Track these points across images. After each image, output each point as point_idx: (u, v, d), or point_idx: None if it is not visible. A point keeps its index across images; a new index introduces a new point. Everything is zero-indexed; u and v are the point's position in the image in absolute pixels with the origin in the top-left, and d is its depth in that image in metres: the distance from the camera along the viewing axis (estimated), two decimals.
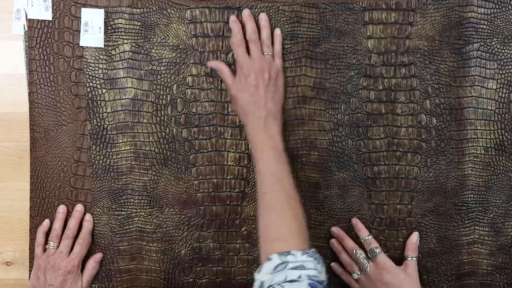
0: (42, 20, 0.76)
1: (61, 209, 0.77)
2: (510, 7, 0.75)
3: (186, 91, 0.77)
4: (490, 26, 0.75)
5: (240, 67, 0.72)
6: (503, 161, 0.77)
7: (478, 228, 0.78)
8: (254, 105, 0.70)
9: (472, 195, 0.77)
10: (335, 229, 0.77)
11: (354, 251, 0.74)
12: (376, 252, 0.73)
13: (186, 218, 0.78)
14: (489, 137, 0.77)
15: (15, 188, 0.80)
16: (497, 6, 0.75)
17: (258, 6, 0.75)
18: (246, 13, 0.74)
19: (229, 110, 0.77)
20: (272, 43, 0.74)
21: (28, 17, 0.76)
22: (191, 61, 0.76)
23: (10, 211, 0.80)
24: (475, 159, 0.77)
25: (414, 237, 0.76)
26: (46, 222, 0.77)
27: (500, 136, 0.77)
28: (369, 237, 0.75)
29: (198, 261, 0.78)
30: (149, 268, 0.78)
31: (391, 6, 0.75)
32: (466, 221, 0.78)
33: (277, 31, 0.75)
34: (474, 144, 0.77)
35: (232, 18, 0.74)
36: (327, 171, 0.77)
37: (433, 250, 0.78)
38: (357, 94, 0.76)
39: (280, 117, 0.72)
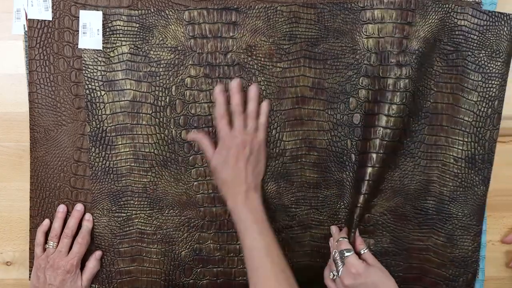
0: (42, 20, 0.76)
1: (61, 209, 0.77)
2: (503, 22, 0.74)
3: (185, 93, 0.77)
4: (481, 37, 0.74)
5: (222, 140, 0.72)
6: (472, 175, 0.76)
7: (434, 236, 0.77)
8: (234, 179, 0.70)
9: (433, 202, 0.77)
10: (333, 228, 0.77)
11: (333, 252, 0.73)
12: (345, 254, 0.71)
13: (186, 220, 0.78)
14: (461, 148, 0.76)
15: (15, 188, 0.80)
16: (490, 19, 0.74)
17: (257, 7, 0.75)
18: (234, 84, 0.73)
19: None
20: (258, 116, 0.74)
21: (28, 17, 0.76)
22: (190, 62, 0.76)
23: (10, 211, 0.80)
24: (443, 167, 0.76)
25: (358, 233, 0.75)
26: (46, 222, 0.77)
27: (473, 149, 0.76)
28: (342, 239, 0.73)
29: (198, 262, 0.79)
30: (149, 270, 0.78)
31: (389, 5, 0.75)
32: (423, 227, 0.77)
33: (264, 104, 0.74)
34: (444, 152, 0.76)
35: (218, 89, 0.73)
36: (326, 171, 0.78)
37: (386, 250, 0.77)
38: (356, 94, 0.76)
39: (260, 188, 0.73)
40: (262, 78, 0.76)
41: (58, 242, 0.76)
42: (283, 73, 0.76)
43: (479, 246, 0.78)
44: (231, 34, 0.76)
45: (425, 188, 0.77)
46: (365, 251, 0.73)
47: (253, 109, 0.73)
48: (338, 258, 0.72)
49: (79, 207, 0.77)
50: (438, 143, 0.76)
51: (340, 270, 0.71)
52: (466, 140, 0.76)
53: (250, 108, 0.73)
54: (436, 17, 0.74)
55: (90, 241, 0.77)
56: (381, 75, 0.75)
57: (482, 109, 0.76)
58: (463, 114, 0.76)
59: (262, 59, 0.76)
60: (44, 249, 0.76)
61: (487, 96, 0.75)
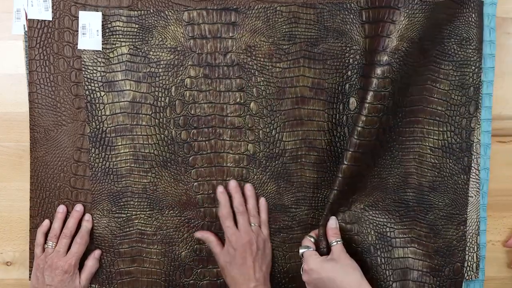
0: (42, 20, 0.76)
1: (61, 209, 0.77)
2: (470, 8, 0.74)
3: (185, 93, 0.77)
4: (450, 26, 0.74)
5: (228, 239, 0.74)
6: (450, 164, 0.76)
7: (416, 228, 0.77)
8: (243, 276, 0.72)
9: (413, 194, 0.77)
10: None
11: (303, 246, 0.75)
12: (300, 251, 0.73)
13: (186, 220, 0.78)
14: (436, 138, 0.76)
15: (15, 188, 0.80)
16: (458, 7, 0.74)
17: (256, 7, 0.76)
18: (233, 184, 0.76)
19: (228, 111, 0.77)
20: (259, 212, 0.77)
21: (28, 17, 0.76)
22: (189, 63, 0.76)
23: (10, 211, 0.80)
24: (420, 158, 0.76)
25: (332, 222, 0.74)
26: (46, 222, 0.77)
27: (449, 138, 0.76)
28: (307, 236, 0.75)
29: (198, 263, 0.79)
30: (149, 270, 0.78)
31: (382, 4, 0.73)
32: (405, 219, 0.77)
33: (262, 201, 0.77)
34: (420, 143, 0.76)
35: (220, 189, 0.76)
36: (326, 171, 0.78)
37: (372, 245, 0.77)
38: (355, 94, 0.76)
39: (268, 281, 0.75)
40: (262, 79, 0.76)
41: (57, 242, 0.76)
42: (283, 73, 0.76)
43: (465, 235, 0.77)
44: (230, 35, 0.76)
45: (403, 181, 0.76)
46: (336, 243, 0.72)
47: (253, 206, 0.76)
48: (300, 255, 0.73)
49: (78, 207, 0.77)
50: (413, 135, 0.76)
51: (302, 266, 0.72)
52: (441, 129, 0.76)
53: (250, 206, 0.76)
54: (421, 15, 0.71)
55: (89, 241, 0.77)
56: (368, 75, 0.72)
57: (455, 97, 0.75)
58: (436, 104, 0.75)
59: (262, 59, 0.76)
60: (44, 249, 0.76)
61: (459, 84, 0.75)
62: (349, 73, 0.76)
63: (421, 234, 0.77)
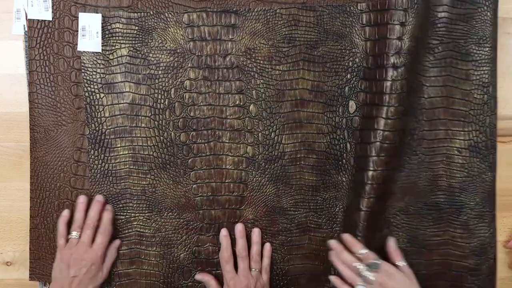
0: (42, 20, 0.76)
1: (82, 199, 0.76)
2: (485, 7, 0.75)
3: (184, 95, 0.77)
4: (465, 26, 0.75)
5: (227, 283, 0.75)
6: (477, 163, 0.77)
7: (450, 229, 0.77)
8: None
9: (444, 196, 0.77)
10: (333, 243, 0.75)
11: (354, 265, 0.73)
12: (378, 263, 0.72)
13: (185, 222, 0.78)
14: (462, 138, 0.77)
15: (15, 188, 0.80)
16: (472, 6, 0.74)
17: (256, 9, 0.75)
18: (239, 228, 0.77)
19: (227, 114, 0.77)
20: (262, 257, 0.77)
21: (28, 17, 0.76)
22: (189, 65, 0.76)
23: (10, 211, 0.80)
24: (448, 160, 0.77)
25: (391, 243, 0.75)
26: (66, 212, 0.76)
27: (475, 138, 0.77)
28: (366, 251, 0.73)
29: (197, 265, 0.79)
30: (148, 272, 0.78)
31: (385, 7, 0.74)
32: (438, 222, 0.77)
33: (267, 246, 0.78)
34: (446, 145, 0.77)
35: (223, 232, 0.77)
36: (325, 174, 0.77)
37: (404, 250, 0.77)
38: (355, 97, 0.76)
39: None
40: (261, 81, 0.76)
41: (81, 233, 0.75)
42: (282, 76, 0.76)
43: (495, 232, 0.78)
44: (230, 37, 0.76)
45: (433, 183, 0.77)
46: (403, 264, 0.72)
47: (257, 252, 0.77)
48: (363, 269, 0.71)
49: (99, 198, 0.76)
50: (438, 137, 0.76)
51: (372, 276, 0.70)
52: (466, 129, 0.76)
53: (253, 251, 0.77)
54: (420, 13, 0.73)
55: (112, 231, 0.76)
56: (377, 78, 0.74)
57: (478, 97, 0.76)
58: (459, 105, 0.76)
59: (261, 61, 0.76)
60: (67, 240, 0.75)
61: (480, 83, 0.76)
62: (348, 76, 0.76)
63: (455, 235, 0.77)
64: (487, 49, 0.76)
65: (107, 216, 0.76)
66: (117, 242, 0.77)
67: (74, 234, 0.75)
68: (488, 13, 0.75)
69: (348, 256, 0.74)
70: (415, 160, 0.77)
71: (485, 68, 0.76)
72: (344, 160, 0.77)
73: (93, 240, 0.75)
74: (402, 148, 0.76)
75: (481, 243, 0.78)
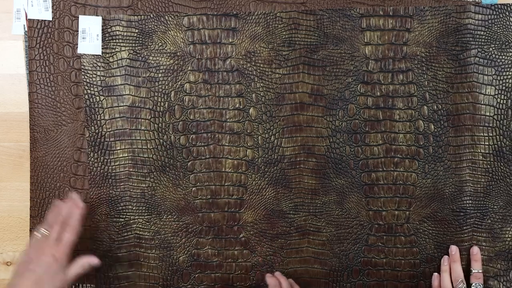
0: (42, 20, 0.76)
1: (58, 203, 0.73)
2: (507, 13, 0.75)
3: (184, 98, 0.77)
4: (488, 32, 0.76)
5: None
6: (502, 167, 0.77)
7: (476, 234, 0.78)
8: None
9: (470, 201, 0.77)
10: (454, 249, 0.77)
11: (459, 280, 0.74)
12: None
13: (184, 225, 0.78)
14: (487, 143, 0.77)
15: (15, 188, 0.80)
16: (494, 13, 0.75)
17: (256, 13, 0.76)
18: (278, 273, 0.77)
19: (227, 117, 0.77)
20: None
21: (28, 17, 0.76)
22: (189, 68, 0.76)
23: (10, 211, 0.80)
24: (473, 165, 0.77)
25: (476, 249, 0.77)
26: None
27: (499, 142, 0.77)
28: (480, 271, 0.75)
29: (196, 268, 0.79)
30: (147, 275, 0.78)
31: (389, 12, 0.75)
32: (464, 227, 0.78)
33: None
34: (472, 150, 0.77)
35: (268, 274, 0.76)
36: (325, 177, 0.78)
37: (431, 256, 0.78)
38: (354, 101, 0.76)
39: None
40: (261, 84, 0.77)
41: (51, 231, 0.70)
42: (282, 80, 0.76)
43: None
44: (230, 40, 0.76)
45: (459, 189, 0.77)
46: (478, 272, 0.76)
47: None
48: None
49: (74, 195, 0.73)
50: (464, 143, 0.77)
51: None
52: (491, 134, 0.77)
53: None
54: (434, 21, 0.75)
55: (79, 230, 0.71)
56: (382, 81, 0.75)
57: (501, 102, 0.77)
58: (484, 110, 0.76)
59: (261, 65, 0.76)
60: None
61: (504, 88, 0.76)
62: (348, 79, 0.76)
63: (480, 239, 0.78)
64: (510, 54, 0.76)
65: (76, 213, 0.71)
66: (94, 260, 0.71)
67: (41, 230, 0.70)
68: (510, 19, 0.76)
69: (459, 268, 0.76)
70: (441, 167, 0.77)
71: (508, 73, 0.76)
72: (343, 164, 0.77)
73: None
74: (420, 152, 0.77)
75: (507, 247, 0.78)
